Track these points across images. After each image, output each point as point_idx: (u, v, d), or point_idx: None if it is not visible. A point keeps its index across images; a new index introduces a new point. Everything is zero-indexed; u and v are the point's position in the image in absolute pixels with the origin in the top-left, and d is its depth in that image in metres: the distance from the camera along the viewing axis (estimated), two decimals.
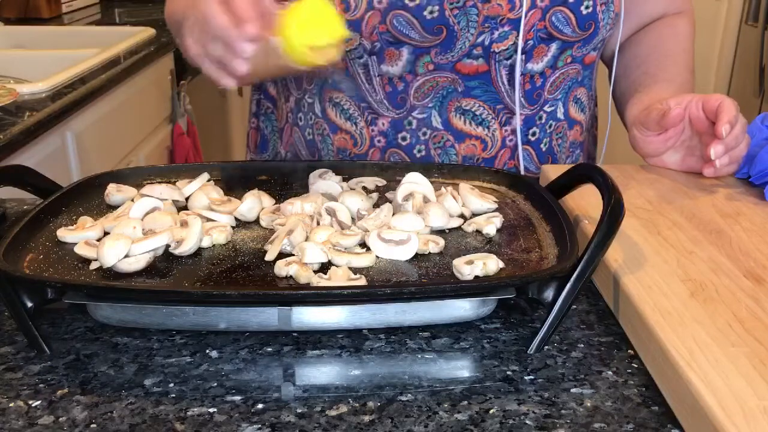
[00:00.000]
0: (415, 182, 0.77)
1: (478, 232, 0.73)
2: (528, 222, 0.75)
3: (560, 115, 0.98)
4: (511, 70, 0.92)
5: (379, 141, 0.96)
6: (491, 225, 0.72)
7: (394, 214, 0.73)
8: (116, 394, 0.56)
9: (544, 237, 0.71)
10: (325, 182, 0.80)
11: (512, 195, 0.81)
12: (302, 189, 0.82)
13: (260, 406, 0.55)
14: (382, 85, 0.93)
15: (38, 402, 0.55)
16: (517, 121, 0.95)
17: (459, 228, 0.74)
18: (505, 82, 0.93)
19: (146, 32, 2.06)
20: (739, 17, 3.13)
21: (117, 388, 0.57)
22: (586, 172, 0.74)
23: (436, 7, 0.86)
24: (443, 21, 0.87)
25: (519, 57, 0.90)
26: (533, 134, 0.97)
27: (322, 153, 1.00)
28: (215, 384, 0.58)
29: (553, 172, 0.83)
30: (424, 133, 0.95)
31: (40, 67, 1.70)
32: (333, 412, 0.54)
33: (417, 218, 0.71)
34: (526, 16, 0.88)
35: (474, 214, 0.76)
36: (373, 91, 0.94)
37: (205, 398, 0.56)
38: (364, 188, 0.82)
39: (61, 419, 0.54)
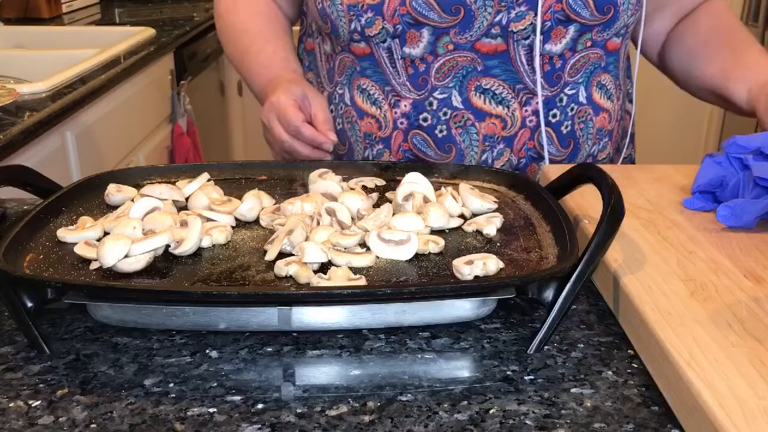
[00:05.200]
0: (415, 182, 0.77)
1: (478, 232, 0.73)
2: (528, 222, 0.75)
3: (582, 99, 0.99)
4: (530, 50, 0.94)
5: (401, 123, 0.98)
6: (491, 225, 0.72)
7: (394, 214, 0.73)
8: (116, 394, 0.56)
9: (544, 237, 0.71)
10: (325, 182, 0.80)
11: (512, 195, 0.81)
12: (302, 189, 0.82)
13: (260, 406, 0.55)
14: (404, 67, 0.96)
15: (38, 402, 0.55)
16: (540, 102, 0.96)
17: (459, 228, 0.74)
18: (524, 62, 0.95)
19: (146, 32, 2.06)
20: (739, 17, 3.13)
21: (117, 388, 0.57)
22: (586, 172, 0.74)
23: None
24: (461, 1, 0.90)
25: (538, 37, 0.92)
26: (554, 116, 0.98)
27: (351, 140, 1.03)
28: (215, 384, 0.58)
29: (553, 172, 0.83)
30: (445, 113, 0.97)
31: (40, 67, 1.71)
32: (333, 412, 0.54)
33: (417, 218, 0.71)
34: None
35: (474, 214, 0.76)
36: (396, 74, 0.96)
37: (205, 398, 0.56)
38: (364, 188, 0.82)
39: (61, 419, 0.54)
